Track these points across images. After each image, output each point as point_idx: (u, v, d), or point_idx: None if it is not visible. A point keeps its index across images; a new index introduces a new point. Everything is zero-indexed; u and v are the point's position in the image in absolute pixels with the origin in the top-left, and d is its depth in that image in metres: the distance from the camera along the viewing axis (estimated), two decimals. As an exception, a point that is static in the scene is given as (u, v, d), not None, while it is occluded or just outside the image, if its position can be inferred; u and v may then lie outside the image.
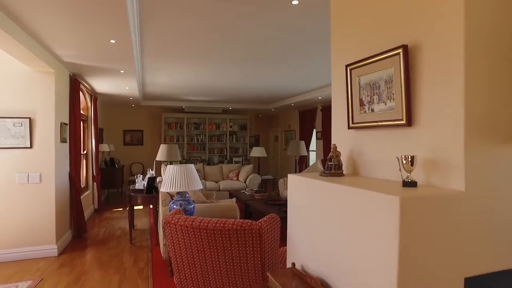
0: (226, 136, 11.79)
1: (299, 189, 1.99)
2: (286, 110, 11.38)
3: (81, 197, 5.73)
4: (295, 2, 2.95)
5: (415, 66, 1.54)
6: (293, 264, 1.94)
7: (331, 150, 1.94)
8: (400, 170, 1.49)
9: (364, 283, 1.40)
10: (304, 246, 1.93)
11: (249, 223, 2.19)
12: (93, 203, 7.47)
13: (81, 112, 6.56)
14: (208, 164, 11.11)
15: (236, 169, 9.58)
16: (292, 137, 11.40)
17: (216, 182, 9.11)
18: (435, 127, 1.45)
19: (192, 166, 3.86)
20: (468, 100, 1.32)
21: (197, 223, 2.30)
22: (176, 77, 6.49)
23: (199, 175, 9.24)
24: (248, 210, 6.18)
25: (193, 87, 7.78)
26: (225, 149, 11.84)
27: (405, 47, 1.54)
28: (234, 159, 11.75)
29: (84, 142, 7.07)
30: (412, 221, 1.23)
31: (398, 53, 1.57)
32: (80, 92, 6.04)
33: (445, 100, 1.40)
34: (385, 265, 1.27)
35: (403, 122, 1.57)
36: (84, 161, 7.17)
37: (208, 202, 4.84)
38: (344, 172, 1.95)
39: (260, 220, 2.22)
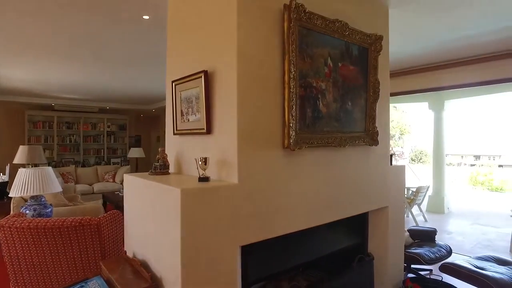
0: (103, 136, 11.20)
1: (131, 187, 2.28)
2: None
3: None
4: (145, 17, 3.22)
5: (212, 87, 2.00)
6: (125, 252, 2.22)
7: (159, 153, 2.29)
8: (197, 168, 1.92)
9: (165, 259, 1.78)
10: (134, 236, 2.23)
11: (88, 219, 2.38)
12: None
13: None
14: (83, 166, 10.39)
15: (113, 170, 9.26)
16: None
17: (90, 185, 8.65)
18: (223, 135, 1.92)
19: (48, 168, 3.76)
20: (239, 117, 1.82)
21: (35, 224, 2.37)
22: (38, 73, 6.00)
23: (70, 178, 8.66)
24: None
25: (61, 84, 7.26)
26: (102, 150, 11.23)
27: (205, 72, 1.99)
28: (113, 160, 11.26)
29: None
30: (193, 206, 1.64)
31: (201, 76, 2.00)
32: None
33: (227, 115, 1.88)
34: (173, 244, 1.66)
35: (204, 130, 2.02)
36: None
37: (70, 205, 4.70)
38: (170, 171, 2.32)
39: (99, 216, 2.43)
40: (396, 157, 16.81)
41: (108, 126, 11.29)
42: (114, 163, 11.00)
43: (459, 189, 14.52)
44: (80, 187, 8.22)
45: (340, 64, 2.31)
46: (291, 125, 1.97)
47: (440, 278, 3.59)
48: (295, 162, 2.07)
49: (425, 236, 4.17)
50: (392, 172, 2.88)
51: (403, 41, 4.24)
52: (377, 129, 2.57)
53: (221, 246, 1.75)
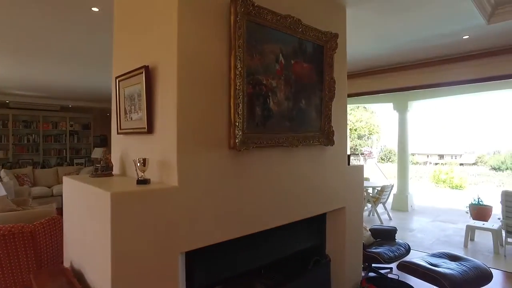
0: (65, 136, 10.67)
1: (70, 190, 2.11)
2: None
3: None
4: (95, 9, 3.03)
5: (154, 84, 1.87)
6: (62, 262, 2.05)
7: (102, 154, 2.13)
8: (136, 170, 1.79)
9: (98, 270, 1.64)
10: (72, 243, 2.06)
11: (20, 227, 2.17)
12: None
13: None
14: (43, 167, 9.85)
15: (75, 171, 8.82)
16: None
17: (49, 187, 8.19)
18: (164, 135, 1.80)
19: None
20: (179, 115, 1.70)
21: (-40, 233, 2.14)
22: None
23: (26, 180, 8.16)
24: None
25: (15, 81, 6.80)
26: (64, 150, 10.70)
27: (146, 67, 1.85)
28: (76, 161, 10.75)
29: None
30: (126, 211, 1.51)
31: (142, 72, 1.87)
32: None
33: (168, 113, 1.76)
34: (104, 253, 1.52)
35: (145, 130, 1.88)
36: None
37: (18, 210, 4.38)
38: (115, 173, 2.17)
39: (34, 223, 2.24)
40: (365, 157, 17.21)
41: (71, 125, 10.76)
42: (77, 164, 10.50)
43: (423, 187, 15.06)
44: (37, 190, 7.76)
45: (293, 62, 2.24)
46: (237, 124, 1.88)
47: (397, 277, 3.63)
48: (243, 163, 1.98)
49: (386, 235, 4.22)
50: (349, 172, 2.86)
51: (365, 41, 4.27)
52: (333, 128, 2.53)
53: (159, 253, 1.62)
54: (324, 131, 2.50)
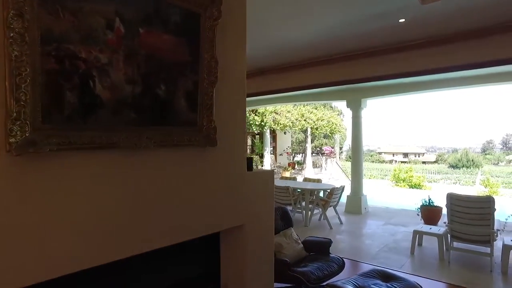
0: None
1: None
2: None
3: None
4: None
5: None
6: None
7: None
8: None
9: None
10: None
11: None
12: None
13: None
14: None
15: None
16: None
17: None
18: None
19: None
20: None
21: None
22: None
23: None
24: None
25: None
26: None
27: None
28: None
29: None
30: None
31: None
32: None
33: None
34: None
35: None
36: None
37: None
38: None
39: None
40: (325, 156, 16.93)
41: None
42: None
43: (383, 187, 14.97)
44: None
45: (141, 30, 1.60)
46: (19, 115, 1.21)
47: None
48: (46, 175, 1.31)
49: (321, 248, 3.69)
50: (250, 180, 2.26)
51: (294, 26, 3.72)
52: (215, 124, 1.92)
53: None
54: (202, 127, 1.88)
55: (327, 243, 3.66)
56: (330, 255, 3.57)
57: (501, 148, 58.81)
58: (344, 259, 3.54)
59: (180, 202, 1.80)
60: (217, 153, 2.00)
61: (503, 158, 47.94)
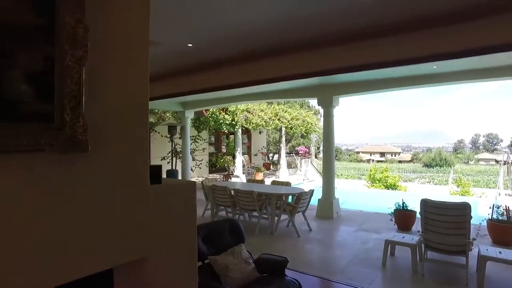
0: None
1: None
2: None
3: None
4: None
5: None
6: None
7: None
8: None
9: None
10: None
11: None
12: None
13: None
14: None
15: None
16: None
17: None
18: None
19: None
20: None
21: None
22: None
23: None
24: None
25: None
26: None
27: None
28: None
29: None
30: None
31: None
32: None
33: None
34: None
35: None
36: None
37: None
38: None
39: None
40: (300, 156, 16.49)
41: None
42: None
43: (358, 188, 14.66)
44: None
45: None
46: None
47: None
48: None
49: (275, 269, 3.13)
50: (158, 197, 1.66)
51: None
52: (84, 120, 1.30)
53: None
54: (63, 124, 1.27)
55: (283, 263, 3.10)
56: (286, 277, 3.02)
57: (470, 148, 61.13)
58: (306, 276, 3.00)
59: (32, 240, 1.19)
60: (96, 161, 1.39)
61: (473, 157, 49.64)
